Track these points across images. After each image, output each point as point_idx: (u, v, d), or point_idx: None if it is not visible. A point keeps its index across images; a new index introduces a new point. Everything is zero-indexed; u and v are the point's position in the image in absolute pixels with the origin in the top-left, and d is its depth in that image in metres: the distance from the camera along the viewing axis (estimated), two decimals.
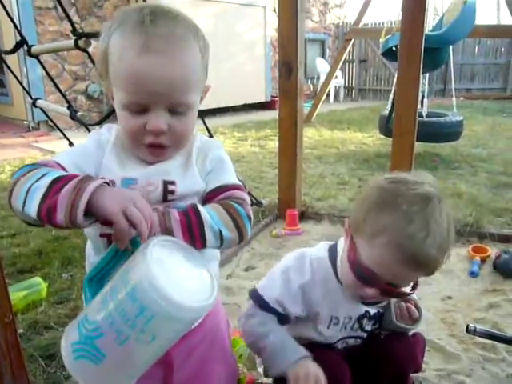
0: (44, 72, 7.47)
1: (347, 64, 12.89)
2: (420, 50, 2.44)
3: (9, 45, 3.01)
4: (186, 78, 0.83)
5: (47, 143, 6.63)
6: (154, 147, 0.86)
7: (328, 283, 1.16)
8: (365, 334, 1.25)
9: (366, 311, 1.21)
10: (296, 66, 2.69)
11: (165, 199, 0.90)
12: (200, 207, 0.85)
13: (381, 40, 5.03)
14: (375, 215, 1.02)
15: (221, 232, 0.84)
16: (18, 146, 6.38)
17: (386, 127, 4.92)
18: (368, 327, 1.24)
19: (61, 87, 7.94)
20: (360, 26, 7.78)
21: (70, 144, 2.83)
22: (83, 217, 0.71)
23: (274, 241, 2.72)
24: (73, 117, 2.38)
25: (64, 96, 2.56)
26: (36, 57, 2.29)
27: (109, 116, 2.13)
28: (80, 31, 1.94)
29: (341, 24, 13.43)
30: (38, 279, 2.27)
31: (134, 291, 0.70)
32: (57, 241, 2.99)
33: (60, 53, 7.86)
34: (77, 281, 2.47)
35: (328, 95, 9.89)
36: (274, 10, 11.20)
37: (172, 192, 0.90)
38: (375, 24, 11.71)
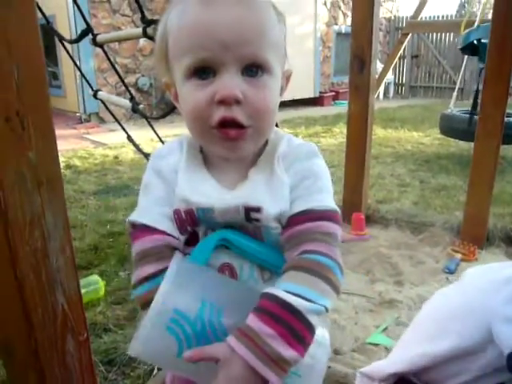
0: (96, 65, 7.60)
1: (398, 60, 12.42)
2: None
3: None
4: (260, 29, 0.65)
5: (98, 135, 6.71)
6: (227, 128, 0.66)
7: None
8: None
9: None
10: (369, 59, 2.49)
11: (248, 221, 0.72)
12: (284, 295, 0.62)
13: (461, 33, 4.70)
14: None
15: (324, 306, 0.64)
16: (70, 137, 6.48)
17: (467, 130, 4.35)
18: None
19: (112, 80, 8.05)
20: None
21: (129, 137, 2.74)
22: None
23: (341, 246, 2.53)
24: (135, 109, 2.28)
25: (126, 87, 2.46)
26: (101, 46, 2.20)
27: (171, 111, 2.01)
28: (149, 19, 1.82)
29: (393, 18, 12.96)
30: (95, 277, 2.19)
31: None
32: (112, 236, 2.93)
33: (112, 45, 7.92)
34: None
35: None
36: (325, 4, 10.93)
37: (257, 220, 0.70)
38: (429, 18, 11.19)
